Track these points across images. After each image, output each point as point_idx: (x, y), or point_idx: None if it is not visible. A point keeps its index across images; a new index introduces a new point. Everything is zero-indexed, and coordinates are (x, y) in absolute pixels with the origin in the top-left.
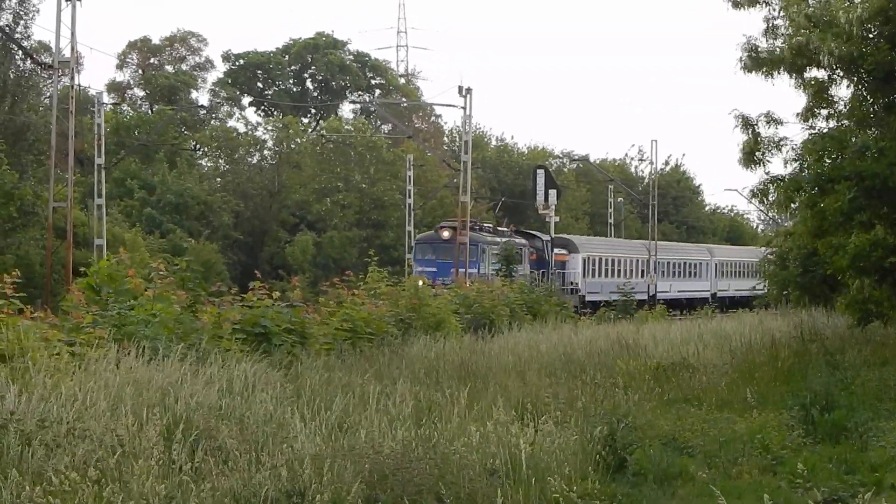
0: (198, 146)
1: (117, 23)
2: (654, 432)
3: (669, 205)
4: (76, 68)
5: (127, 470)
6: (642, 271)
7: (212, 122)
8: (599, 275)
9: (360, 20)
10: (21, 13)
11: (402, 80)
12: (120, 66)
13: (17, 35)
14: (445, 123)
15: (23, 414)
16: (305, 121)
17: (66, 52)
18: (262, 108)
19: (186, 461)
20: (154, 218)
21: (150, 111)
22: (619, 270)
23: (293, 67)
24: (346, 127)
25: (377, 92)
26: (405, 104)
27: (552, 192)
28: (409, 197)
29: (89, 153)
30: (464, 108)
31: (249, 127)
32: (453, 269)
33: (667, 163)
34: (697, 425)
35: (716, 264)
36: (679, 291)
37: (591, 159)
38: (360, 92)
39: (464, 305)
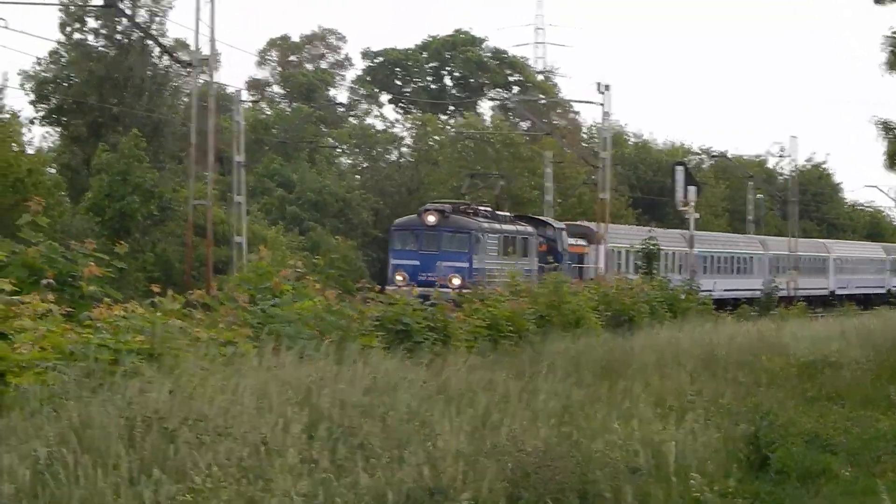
0: (336, 144)
1: (256, 20)
2: (797, 430)
3: (809, 202)
4: (215, 66)
5: (269, 467)
6: (680, 266)
7: (350, 120)
8: (626, 270)
9: (498, 17)
10: (156, 10)
11: (541, 77)
12: (259, 64)
13: (152, 31)
14: (584, 120)
15: (168, 412)
16: (444, 118)
17: (205, 50)
18: (401, 105)
19: (328, 459)
20: (295, 215)
21: (288, 109)
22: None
23: (431, 65)
24: (484, 124)
25: (515, 89)
26: (543, 101)
27: (691, 189)
28: (548, 194)
29: (227, 151)
30: (602, 105)
31: (387, 124)
32: (440, 263)
33: (809, 160)
34: (840, 423)
35: (769, 259)
36: (725, 290)
37: (730, 155)
38: (498, 89)
39: (603, 302)
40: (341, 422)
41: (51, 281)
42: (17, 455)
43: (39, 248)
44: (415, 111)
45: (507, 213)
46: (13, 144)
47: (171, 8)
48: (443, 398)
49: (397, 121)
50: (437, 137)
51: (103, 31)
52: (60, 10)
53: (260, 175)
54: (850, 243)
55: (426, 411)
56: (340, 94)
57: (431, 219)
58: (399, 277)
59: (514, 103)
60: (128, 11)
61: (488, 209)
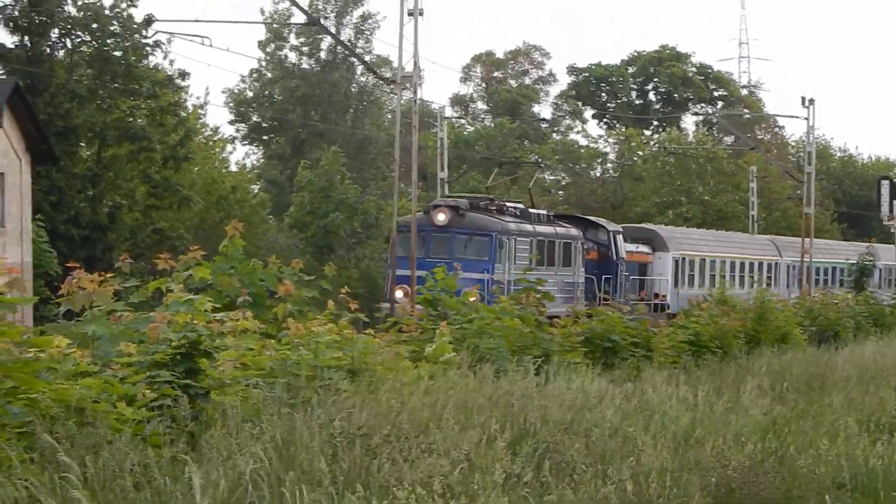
0: (539, 160)
1: (460, 36)
2: None
3: None
4: (418, 82)
5: (472, 484)
6: (769, 278)
7: (553, 136)
8: (701, 284)
9: (702, 32)
10: (363, 28)
11: (745, 92)
12: (464, 80)
13: (358, 49)
14: (791, 135)
15: (370, 429)
16: (647, 133)
17: (408, 67)
18: (605, 120)
19: (531, 475)
20: None
21: (491, 124)
22: (733, 277)
23: (636, 80)
24: (687, 139)
25: (719, 104)
26: (747, 116)
27: None
28: (753, 209)
29: (430, 168)
30: (806, 119)
31: (590, 140)
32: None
33: None
34: None
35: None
36: None
37: None
38: (702, 104)
39: (808, 318)
40: (545, 438)
41: (247, 298)
42: (221, 471)
43: (233, 280)
44: (618, 127)
45: (544, 211)
46: (216, 162)
47: (377, 27)
48: (645, 414)
49: (601, 136)
50: (640, 153)
51: (305, 49)
52: (265, 28)
53: (459, 192)
54: None
55: (629, 426)
56: (544, 110)
57: (441, 217)
58: (400, 293)
59: (718, 118)
60: (332, 29)
61: (518, 205)
